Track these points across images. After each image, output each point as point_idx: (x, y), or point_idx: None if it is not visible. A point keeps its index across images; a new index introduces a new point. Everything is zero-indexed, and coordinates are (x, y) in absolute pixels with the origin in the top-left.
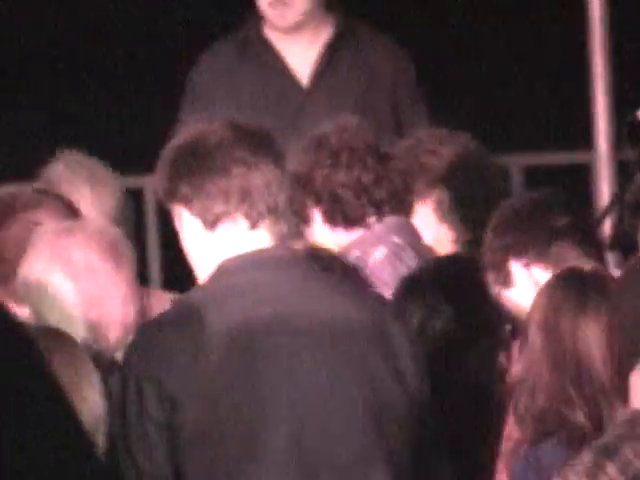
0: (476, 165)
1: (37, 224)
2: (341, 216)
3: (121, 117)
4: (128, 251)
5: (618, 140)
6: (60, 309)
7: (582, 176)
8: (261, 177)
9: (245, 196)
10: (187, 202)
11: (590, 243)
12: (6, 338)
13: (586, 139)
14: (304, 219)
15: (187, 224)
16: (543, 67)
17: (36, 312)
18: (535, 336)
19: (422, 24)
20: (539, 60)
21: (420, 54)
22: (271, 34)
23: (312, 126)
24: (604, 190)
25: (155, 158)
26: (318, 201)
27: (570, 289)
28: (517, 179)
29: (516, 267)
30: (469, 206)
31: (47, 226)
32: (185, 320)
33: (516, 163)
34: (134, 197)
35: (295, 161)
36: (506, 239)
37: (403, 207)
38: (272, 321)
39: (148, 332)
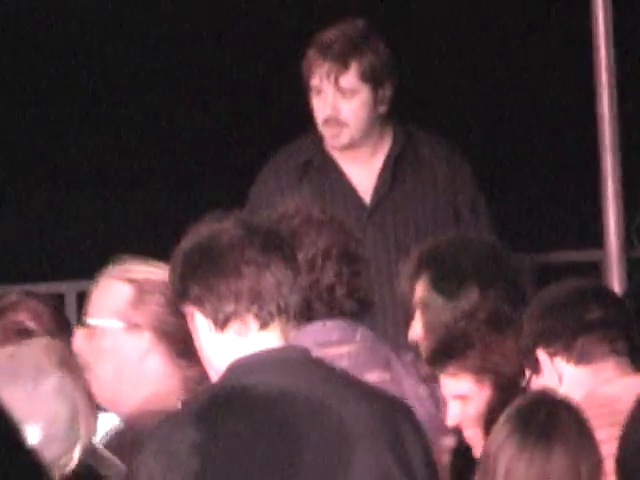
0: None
1: (18, 325)
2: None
3: (42, 222)
4: (78, 363)
5: (628, 238)
6: None
7: (593, 274)
8: (272, 277)
9: (255, 297)
10: (198, 303)
11: (623, 339)
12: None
13: (596, 237)
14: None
15: (199, 324)
16: (552, 168)
17: None
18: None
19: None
20: (548, 160)
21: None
22: (332, 150)
23: (377, 242)
24: (615, 289)
25: (75, 263)
26: None
27: (518, 424)
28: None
29: (543, 356)
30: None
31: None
32: (195, 420)
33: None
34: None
35: None
36: (537, 326)
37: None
38: (282, 424)
39: (160, 430)
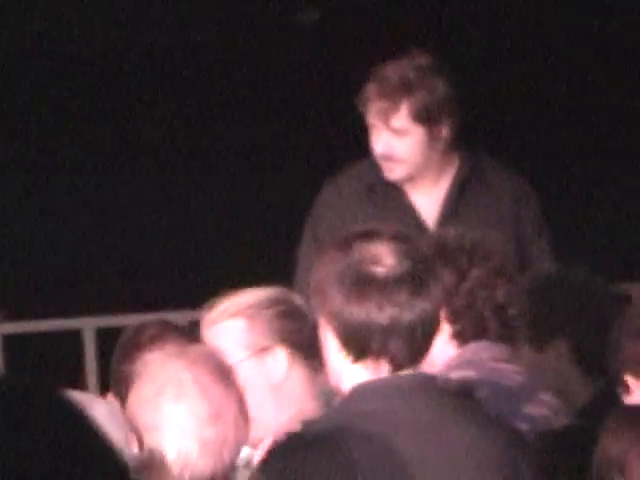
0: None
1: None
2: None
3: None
4: (233, 373)
5: None
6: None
7: None
8: (412, 315)
9: (392, 336)
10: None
11: None
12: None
13: None
14: None
15: (329, 342)
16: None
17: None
18: None
19: None
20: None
21: None
22: None
23: None
24: None
25: (93, 300)
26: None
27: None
28: None
29: (632, 381)
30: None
31: (153, 354)
32: (324, 444)
33: None
34: (72, 338)
35: None
36: (624, 353)
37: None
38: (410, 453)
39: (286, 454)
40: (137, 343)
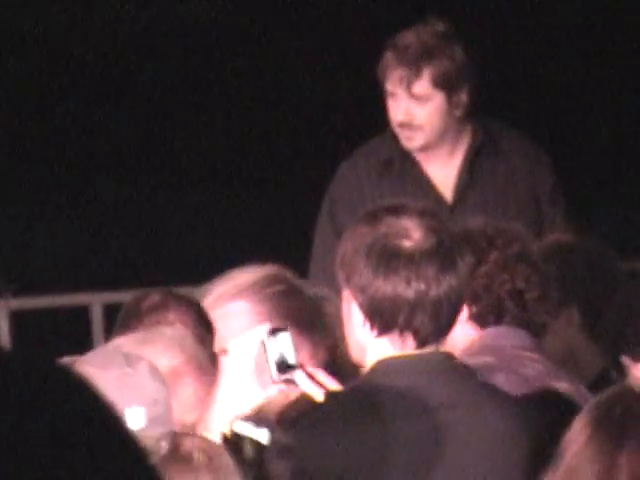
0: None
1: (165, 324)
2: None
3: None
4: (207, 355)
5: None
6: None
7: None
8: (440, 292)
9: (418, 312)
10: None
11: None
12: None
13: None
14: None
15: (354, 316)
16: None
17: None
18: None
19: None
20: None
21: None
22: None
23: None
24: None
25: (102, 275)
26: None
27: (593, 419)
28: None
29: (628, 362)
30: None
31: (123, 338)
32: (338, 418)
33: None
34: (80, 314)
35: None
36: (622, 333)
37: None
38: (441, 429)
39: (324, 425)
40: (138, 312)
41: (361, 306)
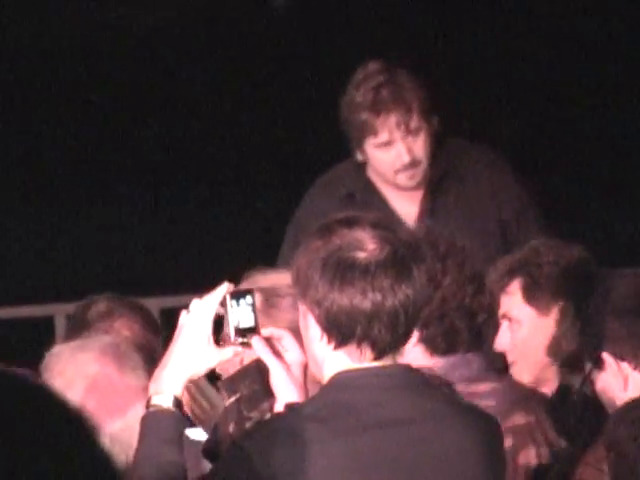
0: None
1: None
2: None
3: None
4: (138, 360)
5: None
6: None
7: None
8: (396, 303)
9: (376, 323)
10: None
11: None
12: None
13: None
14: None
15: (311, 330)
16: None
17: None
18: None
19: None
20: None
21: None
22: (374, 177)
23: None
24: None
25: (65, 287)
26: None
27: None
28: None
29: (609, 358)
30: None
31: (63, 345)
32: (295, 433)
33: None
34: (45, 325)
35: None
36: (605, 329)
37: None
38: (400, 445)
39: (253, 436)
40: (85, 320)
41: (318, 320)
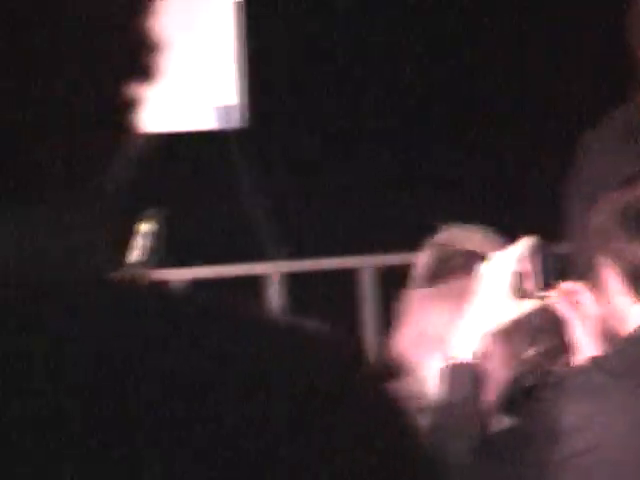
0: None
1: None
2: None
3: None
4: None
5: None
6: None
7: None
8: None
9: None
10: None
11: None
12: None
13: None
14: None
15: (612, 284)
16: None
17: None
18: None
19: None
20: None
21: None
22: None
23: None
24: None
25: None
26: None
27: None
28: None
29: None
30: None
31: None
32: (597, 387)
33: None
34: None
35: None
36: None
37: None
38: None
39: (562, 395)
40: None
41: (618, 273)
